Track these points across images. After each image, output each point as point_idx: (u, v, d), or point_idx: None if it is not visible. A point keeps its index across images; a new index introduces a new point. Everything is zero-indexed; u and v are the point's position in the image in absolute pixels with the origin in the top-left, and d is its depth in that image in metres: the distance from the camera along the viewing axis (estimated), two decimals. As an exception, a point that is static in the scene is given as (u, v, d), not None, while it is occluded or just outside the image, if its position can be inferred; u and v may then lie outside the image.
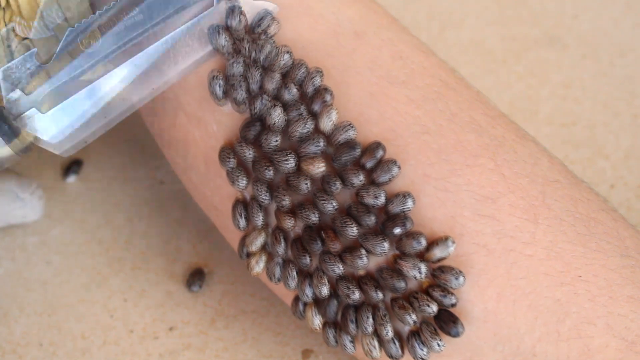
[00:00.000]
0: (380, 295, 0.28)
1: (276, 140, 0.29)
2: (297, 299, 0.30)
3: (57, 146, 0.29)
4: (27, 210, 0.38)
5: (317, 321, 0.29)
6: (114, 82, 0.29)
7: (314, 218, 0.28)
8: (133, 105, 0.30)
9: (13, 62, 0.28)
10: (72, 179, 0.41)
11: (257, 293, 0.37)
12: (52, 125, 0.28)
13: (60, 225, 0.39)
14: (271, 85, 0.29)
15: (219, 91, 0.30)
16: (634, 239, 0.30)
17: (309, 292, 0.29)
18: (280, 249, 0.29)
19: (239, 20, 0.30)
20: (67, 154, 0.29)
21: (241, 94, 0.29)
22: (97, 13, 0.29)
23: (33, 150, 0.30)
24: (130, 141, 0.42)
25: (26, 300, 0.37)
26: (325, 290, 0.29)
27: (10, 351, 0.35)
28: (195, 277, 0.37)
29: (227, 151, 0.30)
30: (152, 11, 0.29)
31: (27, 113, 0.28)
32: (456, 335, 0.28)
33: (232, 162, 0.30)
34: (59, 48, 0.28)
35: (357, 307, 0.29)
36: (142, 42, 0.29)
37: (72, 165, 0.41)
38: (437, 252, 0.28)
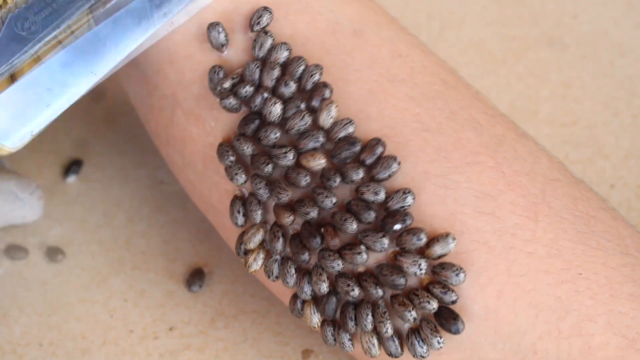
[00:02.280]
0: (380, 292, 0.28)
1: (275, 136, 0.29)
2: (295, 297, 0.30)
3: (2, 136, 0.29)
4: (27, 211, 0.38)
5: (315, 319, 0.29)
6: (54, 69, 0.29)
7: (313, 214, 0.28)
8: (77, 92, 0.29)
9: None
10: (72, 179, 0.41)
11: (257, 293, 0.37)
12: None
13: (60, 225, 0.39)
14: (270, 80, 0.29)
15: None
16: (633, 238, 0.30)
17: (307, 289, 0.29)
18: (279, 245, 0.29)
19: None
20: (14, 145, 0.29)
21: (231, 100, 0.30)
22: None
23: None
24: (130, 141, 0.42)
25: (26, 300, 0.37)
26: (324, 287, 0.29)
27: (10, 351, 0.35)
28: (195, 277, 0.37)
29: (226, 147, 0.30)
30: None
31: None
32: (456, 332, 0.28)
33: (231, 158, 0.30)
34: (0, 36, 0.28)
35: (357, 305, 0.29)
36: (80, 23, 0.29)
37: (72, 165, 0.41)
38: (437, 249, 0.28)
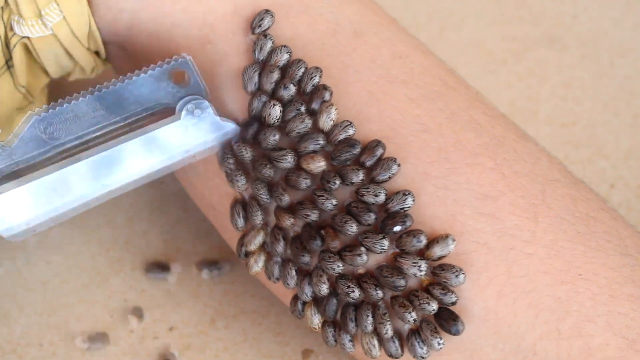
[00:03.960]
0: (380, 293, 0.28)
1: (274, 138, 0.29)
2: (295, 298, 0.30)
3: (4, 230, 0.28)
4: (27, 211, 0.38)
5: (316, 320, 0.29)
6: (71, 179, 0.29)
7: (314, 216, 0.28)
8: (87, 203, 0.29)
9: None
10: (72, 179, 0.41)
11: (257, 293, 0.37)
12: (4, 208, 0.28)
13: (60, 225, 0.39)
14: (269, 84, 0.29)
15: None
16: (633, 238, 0.30)
17: (308, 290, 0.29)
18: (280, 247, 0.29)
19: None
20: (15, 239, 0.29)
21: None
22: (63, 105, 0.29)
23: None
24: (130, 141, 0.42)
25: (26, 300, 0.37)
26: (324, 289, 0.29)
27: (10, 351, 0.35)
28: (212, 264, 0.37)
29: (226, 152, 0.30)
30: (113, 110, 0.29)
31: None
32: (456, 333, 0.28)
33: (231, 163, 0.30)
34: (21, 134, 0.29)
35: (357, 306, 0.29)
36: (103, 139, 0.29)
37: (72, 166, 0.41)
38: (437, 250, 0.28)
